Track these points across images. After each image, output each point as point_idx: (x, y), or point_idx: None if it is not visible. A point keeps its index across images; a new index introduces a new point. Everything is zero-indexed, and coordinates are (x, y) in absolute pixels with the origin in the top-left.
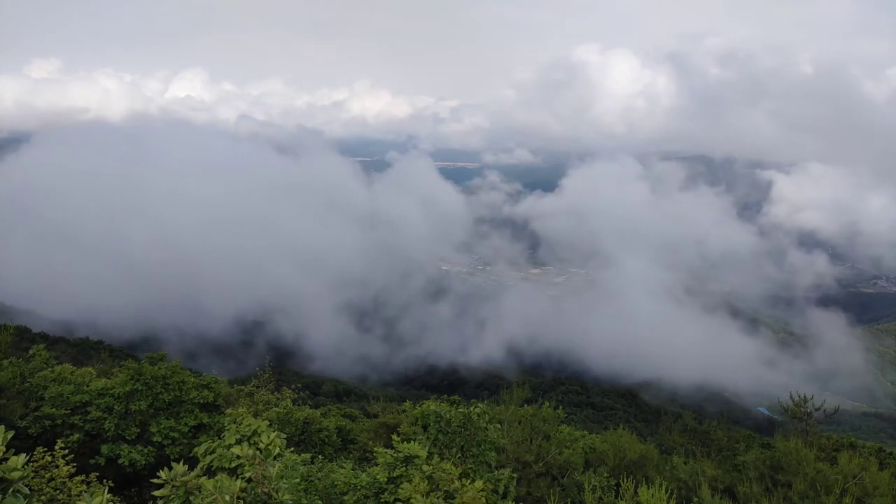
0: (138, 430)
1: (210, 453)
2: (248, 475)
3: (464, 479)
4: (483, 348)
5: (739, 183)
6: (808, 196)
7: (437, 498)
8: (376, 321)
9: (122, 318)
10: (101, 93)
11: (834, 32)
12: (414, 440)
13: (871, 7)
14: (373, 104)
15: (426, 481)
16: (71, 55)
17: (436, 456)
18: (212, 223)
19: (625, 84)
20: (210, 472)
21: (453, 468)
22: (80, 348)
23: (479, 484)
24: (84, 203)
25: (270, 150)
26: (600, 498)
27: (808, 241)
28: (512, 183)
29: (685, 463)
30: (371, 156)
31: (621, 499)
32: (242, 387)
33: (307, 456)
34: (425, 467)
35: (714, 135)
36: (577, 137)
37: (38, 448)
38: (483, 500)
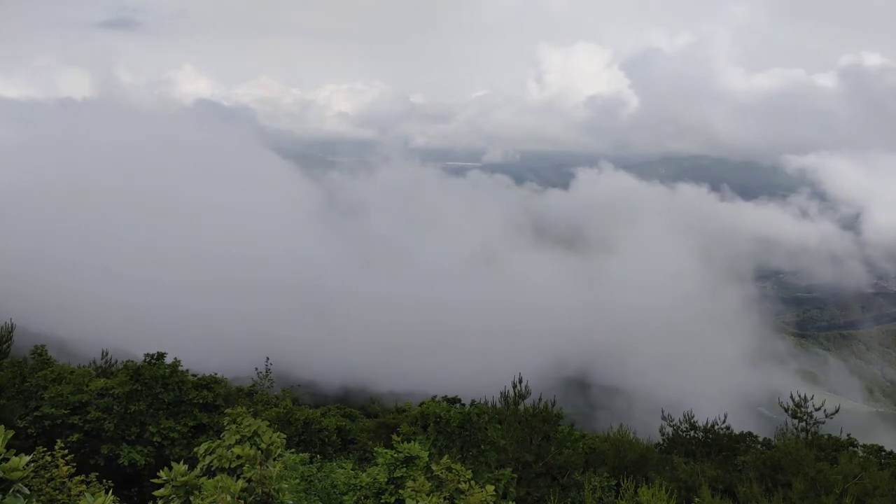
0: (138, 431)
1: (210, 453)
2: (248, 475)
3: (472, 483)
4: (483, 348)
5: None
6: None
7: (440, 498)
8: (368, 322)
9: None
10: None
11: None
12: (414, 440)
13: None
14: (360, 102)
15: (430, 482)
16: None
17: (446, 456)
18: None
19: (624, 83)
20: (210, 472)
21: (463, 468)
22: None
23: (490, 488)
24: None
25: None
26: (600, 498)
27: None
28: (508, 181)
29: (685, 463)
30: (358, 155)
31: (621, 499)
32: (242, 387)
33: (307, 456)
34: (434, 467)
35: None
36: (576, 137)
37: (37, 448)
38: None
